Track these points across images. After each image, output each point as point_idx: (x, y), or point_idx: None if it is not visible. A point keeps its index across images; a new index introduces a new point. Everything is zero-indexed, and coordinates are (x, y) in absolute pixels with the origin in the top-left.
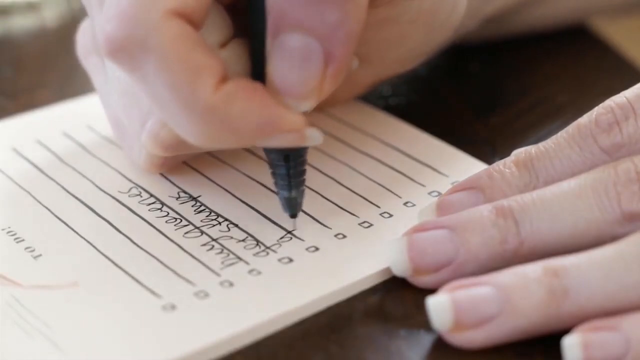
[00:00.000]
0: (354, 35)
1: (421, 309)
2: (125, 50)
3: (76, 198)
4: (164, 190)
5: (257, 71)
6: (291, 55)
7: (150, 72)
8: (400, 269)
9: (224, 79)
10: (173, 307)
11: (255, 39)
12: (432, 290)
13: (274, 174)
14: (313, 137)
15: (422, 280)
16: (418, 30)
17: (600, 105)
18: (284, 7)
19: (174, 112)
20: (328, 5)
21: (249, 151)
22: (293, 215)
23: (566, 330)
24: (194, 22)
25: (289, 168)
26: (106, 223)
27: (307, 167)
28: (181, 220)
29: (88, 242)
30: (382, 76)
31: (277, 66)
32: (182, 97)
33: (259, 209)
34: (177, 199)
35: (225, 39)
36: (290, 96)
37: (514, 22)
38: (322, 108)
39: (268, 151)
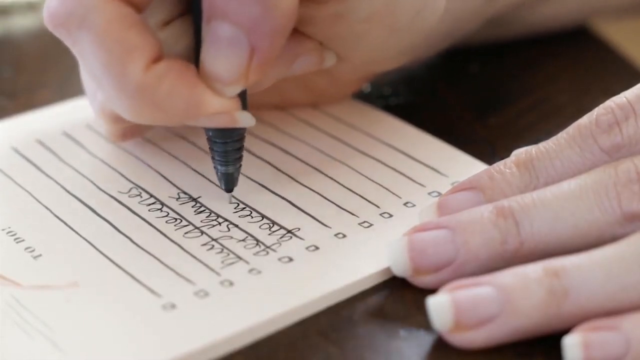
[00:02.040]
0: (279, 29)
1: (421, 309)
2: (65, 26)
3: (76, 198)
4: (164, 190)
5: (197, 52)
6: (219, 43)
7: (86, 49)
8: (401, 269)
9: (157, 59)
10: (173, 306)
11: (197, 21)
12: (432, 291)
13: (211, 149)
14: (244, 119)
15: (422, 281)
16: (376, 30)
17: (601, 105)
18: None
19: (107, 88)
20: None
21: (249, 152)
22: (228, 190)
23: (567, 330)
24: (135, 4)
25: (227, 146)
26: (106, 223)
27: (302, 165)
28: (181, 221)
29: (88, 242)
30: (365, 74)
31: (207, 51)
32: (113, 75)
33: (259, 210)
34: (177, 199)
35: (170, 17)
36: (218, 81)
37: (517, 23)
38: (316, 106)
39: (207, 128)
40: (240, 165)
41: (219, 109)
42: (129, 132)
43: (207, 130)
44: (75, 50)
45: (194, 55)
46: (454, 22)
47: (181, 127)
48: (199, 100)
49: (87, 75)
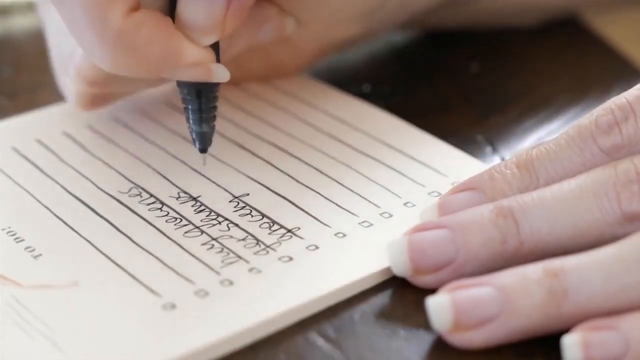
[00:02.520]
0: None
1: (421, 309)
2: None
3: (76, 198)
4: (164, 190)
5: (172, 7)
6: None
7: None
8: (401, 269)
9: (136, 8)
10: (173, 306)
11: None
12: (432, 290)
13: (186, 108)
14: (219, 73)
15: (422, 280)
16: None
17: (600, 106)
18: None
19: (86, 36)
20: None
21: (251, 152)
22: (203, 150)
23: (567, 331)
24: None
25: (201, 103)
26: (106, 222)
27: (302, 164)
28: (181, 220)
29: (88, 241)
30: (323, 42)
31: (185, 0)
32: (94, 21)
33: (259, 209)
34: (177, 199)
35: None
36: (195, 30)
37: (484, 3)
38: (268, 79)
39: (181, 86)
40: (214, 126)
41: (195, 59)
42: (99, 99)
43: (181, 87)
44: (57, 2)
45: (170, 12)
46: None
47: (181, 124)
48: (176, 48)
49: (64, 40)
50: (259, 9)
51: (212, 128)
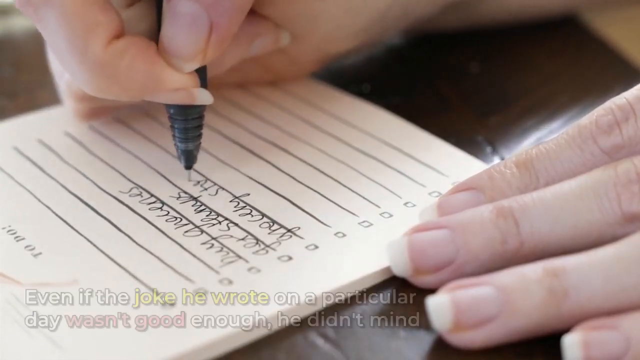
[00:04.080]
0: (238, 6)
1: (421, 309)
2: (31, 3)
3: (77, 197)
4: (165, 190)
5: (160, 31)
6: (180, 20)
7: (50, 25)
8: (401, 269)
9: (118, 36)
10: (172, 304)
11: (159, 1)
12: (432, 290)
13: (172, 127)
14: (202, 96)
15: (422, 280)
16: (331, 9)
17: (601, 106)
18: None
19: (69, 63)
20: None
21: (252, 152)
22: (188, 167)
23: (567, 331)
24: None
25: (187, 123)
26: (106, 221)
27: (303, 164)
28: (181, 220)
29: (88, 240)
30: (321, 54)
31: (168, 28)
32: (75, 50)
33: (259, 208)
34: (177, 198)
35: None
36: (177, 57)
37: (485, 6)
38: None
39: (167, 105)
40: (200, 143)
41: (177, 85)
42: (96, 112)
43: (168, 107)
44: (40, 27)
45: (156, 35)
46: (407, 4)
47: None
48: (157, 76)
49: (53, 55)
50: (250, 25)
51: (198, 146)
